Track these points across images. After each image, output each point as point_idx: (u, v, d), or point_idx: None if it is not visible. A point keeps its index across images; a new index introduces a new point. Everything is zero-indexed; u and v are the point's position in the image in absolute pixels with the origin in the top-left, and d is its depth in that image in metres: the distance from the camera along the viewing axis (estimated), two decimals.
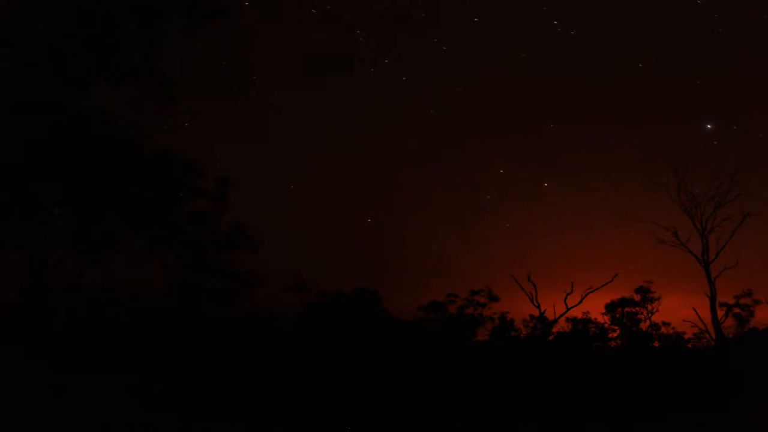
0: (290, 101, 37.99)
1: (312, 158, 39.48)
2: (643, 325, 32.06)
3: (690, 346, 31.86)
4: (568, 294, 29.01)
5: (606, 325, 32.13)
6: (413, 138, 41.64)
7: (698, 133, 34.83)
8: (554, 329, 30.67)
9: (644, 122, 39.90)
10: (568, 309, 29.38)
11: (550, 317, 29.84)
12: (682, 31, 37.66)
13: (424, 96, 40.08)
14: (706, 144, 34.54)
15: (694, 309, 27.64)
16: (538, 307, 29.37)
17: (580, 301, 29.34)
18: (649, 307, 31.85)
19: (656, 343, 32.14)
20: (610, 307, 32.00)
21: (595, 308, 32.12)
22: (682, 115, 40.39)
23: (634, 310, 32.03)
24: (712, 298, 27.17)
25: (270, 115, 38.45)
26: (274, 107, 36.92)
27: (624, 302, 32.02)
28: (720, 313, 28.22)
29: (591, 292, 29.26)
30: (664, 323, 32.03)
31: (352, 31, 34.73)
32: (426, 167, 42.36)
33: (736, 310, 30.60)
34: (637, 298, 32.00)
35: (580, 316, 31.79)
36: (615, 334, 32.31)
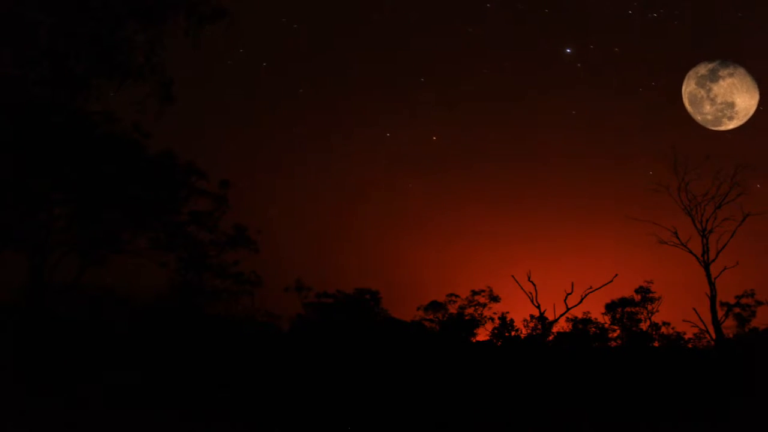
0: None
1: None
2: (643, 325, 31.97)
3: (690, 346, 31.81)
4: (568, 294, 28.99)
5: (606, 325, 32.07)
6: None
7: (560, 58, 35.45)
8: (554, 329, 30.64)
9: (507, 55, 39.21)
10: (568, 309, 29.36)
11: (550, 317, 29.81)
12: None
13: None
14: (569, 67, 35.12)
15: (694, 309, 27.63)
16: (538, 307, 29.35)
17: (580, 301, 29.30)
18: (649, 307, 31.77)
19: (656, 343, 32.09)
20: (610, 307, 31.91)
21: (595, 308, 32.06)
22: (540, 44, 40.18)
23: (634, 310, 31.94)
24: (712, 298, 27.18)
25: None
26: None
27: (624, 302, 31.92)
28: (720, 313, 28.19)
29: (591, 292, 29.24)
30: (664, 323, 31.96)
31: None
32: None
33: (737, 310, 30.54)
34: (637, 298, 31.89)
35: (580, 316, 31.77)
36: (615, 334, 32.24)
